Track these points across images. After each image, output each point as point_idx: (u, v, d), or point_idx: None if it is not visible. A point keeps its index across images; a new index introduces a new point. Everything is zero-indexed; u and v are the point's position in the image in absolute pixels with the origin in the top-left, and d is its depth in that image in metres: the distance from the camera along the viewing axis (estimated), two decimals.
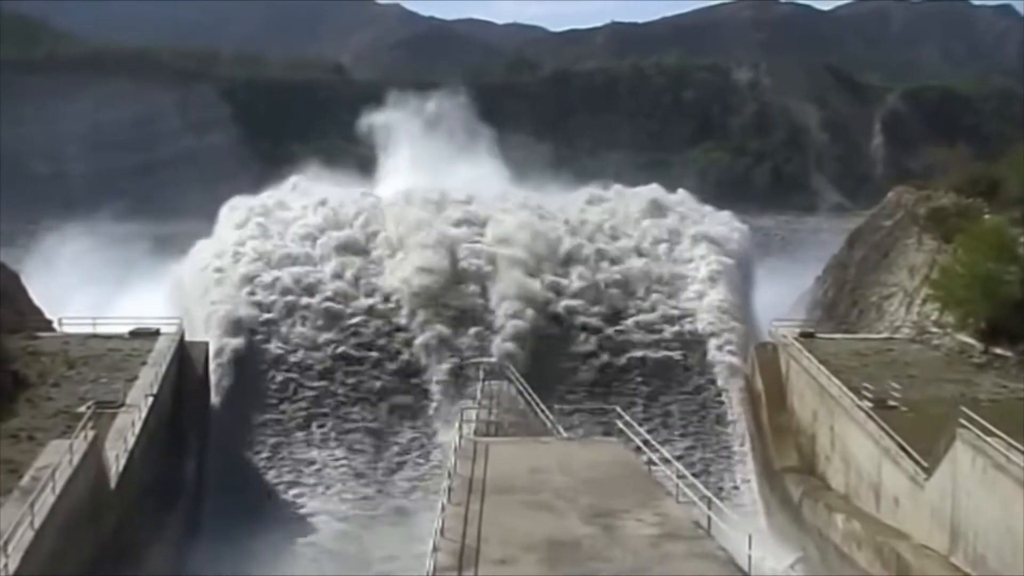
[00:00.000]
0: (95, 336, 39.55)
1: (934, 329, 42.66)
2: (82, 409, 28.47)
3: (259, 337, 42.40)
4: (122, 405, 30.69)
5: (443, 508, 18.13)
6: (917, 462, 25.80)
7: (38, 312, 45.06)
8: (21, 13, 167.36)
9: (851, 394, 31.83)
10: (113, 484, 24.68)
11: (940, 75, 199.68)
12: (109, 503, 24.22)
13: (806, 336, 41.35)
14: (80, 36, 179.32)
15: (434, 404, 40.24)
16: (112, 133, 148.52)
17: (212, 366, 40.20)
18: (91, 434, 23.39)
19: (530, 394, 32.19)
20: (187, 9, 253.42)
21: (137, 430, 28.46)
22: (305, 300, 44.15)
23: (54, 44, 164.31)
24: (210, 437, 38.45)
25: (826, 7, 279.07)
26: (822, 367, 35.23)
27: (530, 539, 17.47)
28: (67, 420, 28.19)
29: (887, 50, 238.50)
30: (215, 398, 39.88)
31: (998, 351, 36.42)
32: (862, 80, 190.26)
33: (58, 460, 21.29)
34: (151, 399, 31.42)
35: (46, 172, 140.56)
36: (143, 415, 29.80)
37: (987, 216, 45.90)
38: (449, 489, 19.46)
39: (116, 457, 25.77)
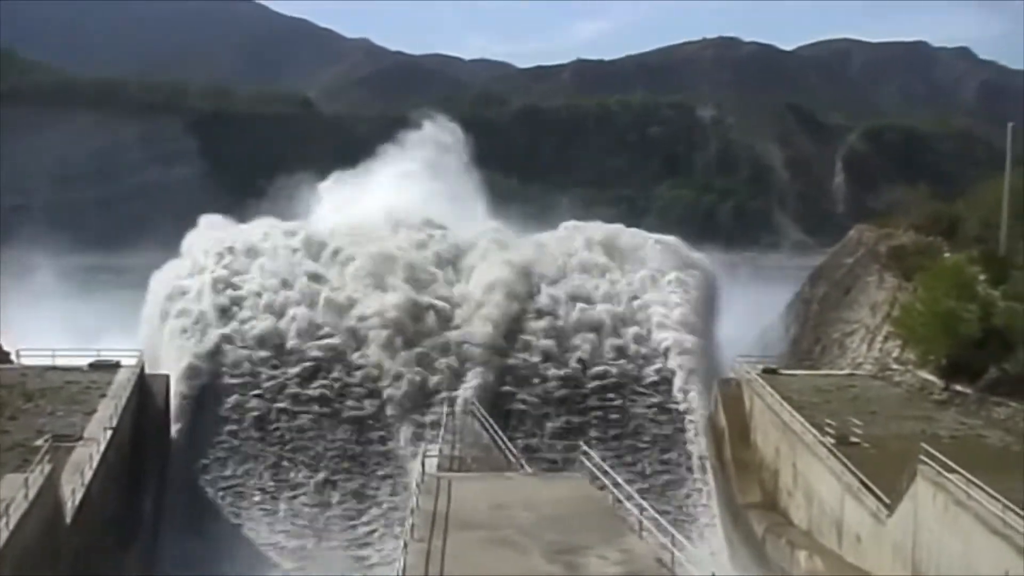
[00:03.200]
0: (54, 368, 39.15)
1: (895, 366, 43.05)
2: (39, 443, 28.01)
3: (221, 371, 41.99)
4: (80, 439, 30.30)
5: (405, 545, 17.90)
6: (879, 498, 25.92)
7: None
8: None
9: (814, 430, 31.97)
10: (69, 519, 24.25)
11: (900, 114, 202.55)
12: (65, 539, 23.78)
13: (769, 372, 41.57)
14: (47, 67, 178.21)
15: (399, 440, 39.95)
16: (77, 165, 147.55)
17: (173, 400, 39.75)
18: (47, 468, 23.00)
19: (494, 429, 32.04)
20: (155, 43, 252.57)
21: (95, 464, 28.04)
22: (269, 334, 43.85)
23: (20, 75, 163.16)
24: (169, 473, 37.96)
25: (788, 47, 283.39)
26: (785, 403, 35.37)
27: None
28: (24, 454, 27.78)
29: (848, 89, 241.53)
30: (175, 433, 39.39)
31: (958, 388, 36.78)
32: (824, 119, 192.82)
33: (12, 495, 20.92)
34: (110, 432, 31.02)
35: (10, 204, 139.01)
36: (101, 449, 29.39)
37: (947, 255, 46.51)
38: (412, 525, 19.24)
39: (73, 492, 25.34)
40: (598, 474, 24.32)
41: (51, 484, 22.84)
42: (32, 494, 21.08)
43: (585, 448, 27.08)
